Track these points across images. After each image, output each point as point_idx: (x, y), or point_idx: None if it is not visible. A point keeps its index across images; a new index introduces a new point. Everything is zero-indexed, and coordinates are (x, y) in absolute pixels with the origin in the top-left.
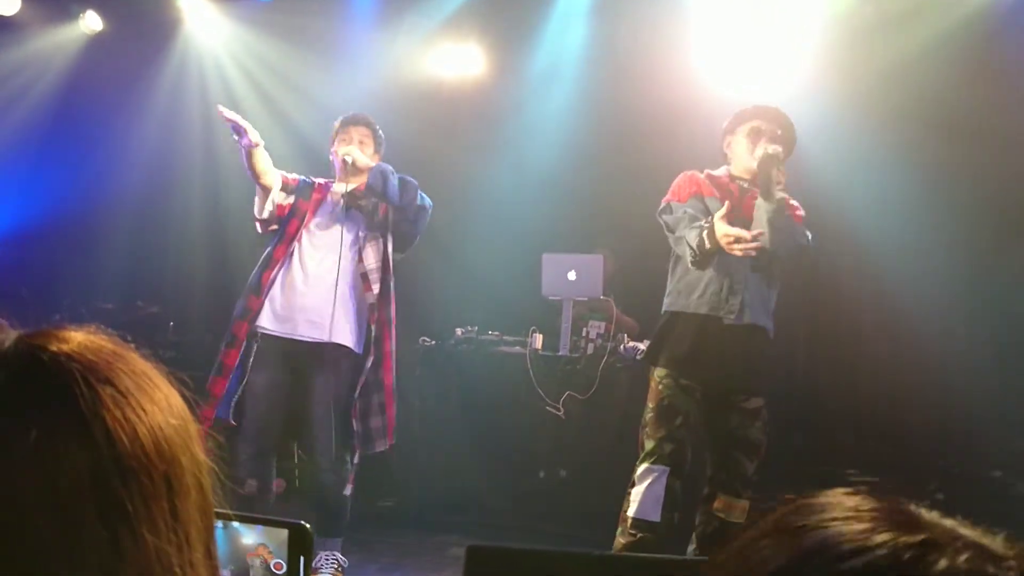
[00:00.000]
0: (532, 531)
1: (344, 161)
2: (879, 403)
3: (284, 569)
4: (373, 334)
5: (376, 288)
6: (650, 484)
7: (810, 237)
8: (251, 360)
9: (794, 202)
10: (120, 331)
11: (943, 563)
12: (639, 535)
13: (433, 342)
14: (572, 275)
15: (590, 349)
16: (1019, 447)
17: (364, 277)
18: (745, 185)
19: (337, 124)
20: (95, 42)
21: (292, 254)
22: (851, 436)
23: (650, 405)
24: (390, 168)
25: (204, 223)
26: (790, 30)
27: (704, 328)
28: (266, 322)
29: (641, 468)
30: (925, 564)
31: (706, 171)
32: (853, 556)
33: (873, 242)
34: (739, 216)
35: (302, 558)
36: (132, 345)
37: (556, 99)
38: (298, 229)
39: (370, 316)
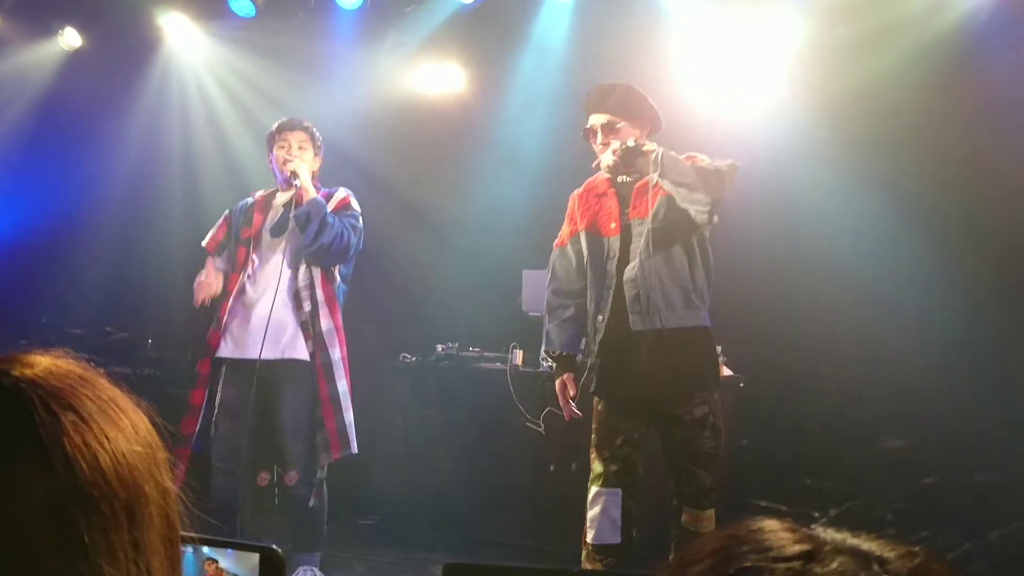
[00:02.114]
0: (514, 547)
1: (292, 174)
2: (857, 417)
3: None
4: (310, 350)
5: (307, 306)
6: (603, 508)
7: (727, 163)
8: (219, 385)
9: (694, 155)
10: (91, 356)
11: (817, 569)
12: (605, 560)
13: (414, 358)
14: None
15: None
16: (998, 458)
17: (296, 295)
18: (627, 179)
19: (273, 129)
20: (74, 59)
21: (245, 281)
22: (830, 450)
23: (593, 427)
24: (320, 208)
25: (184, 240)
26: (765, 50)
27: (609, 349)
28: (226, 351)
29: (592, 492)
30: (803, 573)
31: (586, 183)
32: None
33: (847, 258)
34: (636, 216)
35: None
36: (101, 370)
37: (536, 116)
38: (246, 256)
39: (304, 332)
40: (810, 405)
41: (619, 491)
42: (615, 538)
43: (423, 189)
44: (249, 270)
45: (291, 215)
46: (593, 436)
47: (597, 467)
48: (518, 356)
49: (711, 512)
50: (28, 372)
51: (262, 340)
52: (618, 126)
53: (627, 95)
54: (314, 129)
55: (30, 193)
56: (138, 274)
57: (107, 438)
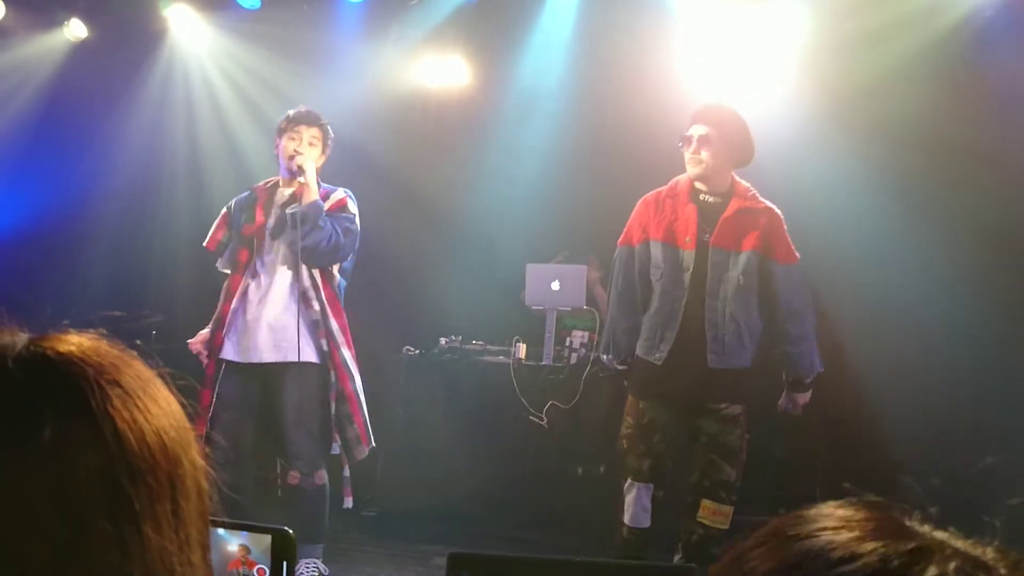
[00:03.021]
0: (516, 540)
1: (299, 168)
2: (859, 412)
3: (268, 575)
4: (325, 348)
5: (316, 305)
6: (636, 496)
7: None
8: (219, 380)
9: (751, 190)
10: (125, 339)
11: (932, 570)
12: (638, 536)
13: (417, 351)
14: (556, 285)
15: (573, 359)
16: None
17: (304, 295)
18: (710, 200)
19: (286, 118)
20: (80, 49)
21: (249, 282)
22: (828, 447)
23: (630, 420)
24: (317, 211)
25: (188, 231)
26: (772, 45)
27: (672, 364)
28: (230, 354)
29: (627, 483)
30: (913, 571)
31: (660, 191)
32: (841, 563)
33: (852, 254)
34: (717, 245)
35: (285, 563)
36: (135, 352)
37: (541, 109)
38: (250, 257)
39: (317, 332)
40: (811, 401)
41: (651, 485)
42: (646, 523)
43: (427, 183)
44: (252, 271)
45: (287, 212)
46: (631, 430)
47: (632, 462)
48: (521, 350)
49: (730, 509)
50: (73, 349)
51: (266, 343)
52: (712, 139)
53: (733, 119)
54: (329, 127)
55: (34, 184)
56: (143, 264)
57: (150, 412)
